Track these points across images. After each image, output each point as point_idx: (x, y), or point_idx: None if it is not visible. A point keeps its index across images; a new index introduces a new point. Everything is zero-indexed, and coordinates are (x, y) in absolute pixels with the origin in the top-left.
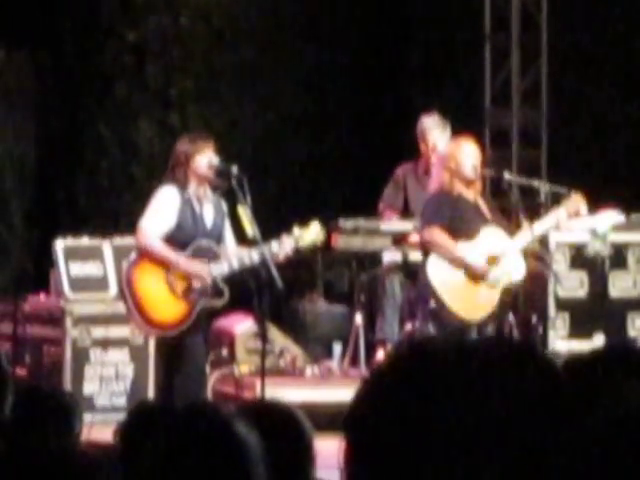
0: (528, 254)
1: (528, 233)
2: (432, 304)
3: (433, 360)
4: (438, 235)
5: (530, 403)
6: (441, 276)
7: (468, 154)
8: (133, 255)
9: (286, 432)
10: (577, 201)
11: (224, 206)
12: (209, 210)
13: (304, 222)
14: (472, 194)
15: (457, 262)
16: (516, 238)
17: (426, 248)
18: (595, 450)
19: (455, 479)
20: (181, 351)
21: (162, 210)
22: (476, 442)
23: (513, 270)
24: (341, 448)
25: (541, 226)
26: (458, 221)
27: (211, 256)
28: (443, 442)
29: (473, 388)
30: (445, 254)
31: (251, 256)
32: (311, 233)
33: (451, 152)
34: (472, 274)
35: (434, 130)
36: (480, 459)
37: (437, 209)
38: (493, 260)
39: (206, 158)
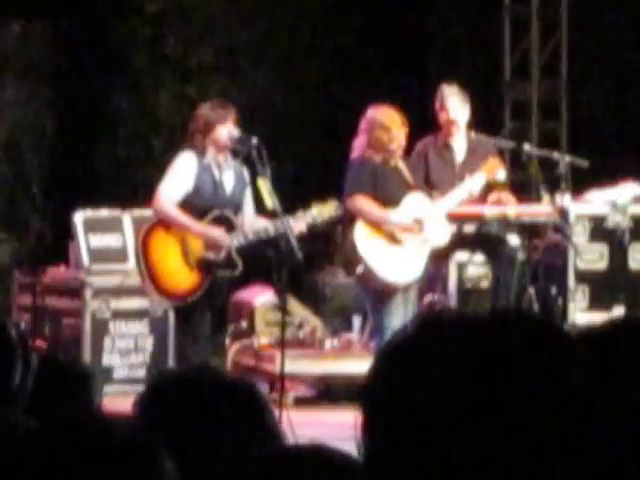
0: (548, 226)
1: (451, 198)
2: (359, 269)
3: (449, 333)
4: (362, 201)
5: (550, 382)
6: (367, 241)
7: (397, 124)
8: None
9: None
10: (493, 165)
11: (246, 174)
12: (229, 177)
13: (322, 198)
14: (393, 160)
15: (384, 223)
16: (439, 203)
17: (352, 216)
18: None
19: (469, 449)
20: (189, 319)
21: (180, 176)
22: (491, 417)
23: (437, 234)
24: (358, 419)
25: (462, 191)
26: (380, 190)
27: (228, 227)
28: (457, 415)
29: (488, 364)
30: (372, 218)
31: (267, 229)
32: (329, 209)
33: (380, 121)
34: (400, 234)
35: (453, 97)
36: (495, 435)
37: (357, 178)
38: (417, 224)
39: (226, 129)
